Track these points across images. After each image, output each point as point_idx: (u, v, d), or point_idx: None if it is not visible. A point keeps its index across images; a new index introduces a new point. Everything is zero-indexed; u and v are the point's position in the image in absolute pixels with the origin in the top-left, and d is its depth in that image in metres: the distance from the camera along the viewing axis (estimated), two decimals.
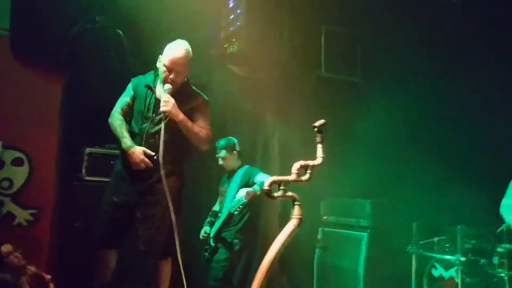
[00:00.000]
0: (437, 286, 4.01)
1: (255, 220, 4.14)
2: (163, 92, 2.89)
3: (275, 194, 2.00)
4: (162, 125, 2.81)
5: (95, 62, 3.92)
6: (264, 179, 3.59)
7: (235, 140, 4.13)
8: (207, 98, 3.15)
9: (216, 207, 4.17)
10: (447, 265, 3.94)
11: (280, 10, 4.56)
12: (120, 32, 3.43)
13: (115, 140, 3.02)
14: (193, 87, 3.14)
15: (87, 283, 3.09)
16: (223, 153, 4.03)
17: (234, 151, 4.06)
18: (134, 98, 3.02)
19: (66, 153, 3.87)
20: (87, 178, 3.80)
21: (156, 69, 3.07)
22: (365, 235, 4.17)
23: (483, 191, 3.59)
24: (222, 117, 4.73)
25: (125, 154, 2.88)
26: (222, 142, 4.07)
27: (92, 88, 3.85)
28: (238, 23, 4.33)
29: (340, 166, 3.99)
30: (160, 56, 3.00)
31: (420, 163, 4.34)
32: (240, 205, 3.61)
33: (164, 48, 3.02)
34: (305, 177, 2.04)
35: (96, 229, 3.00)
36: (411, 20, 4.59)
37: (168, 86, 2.89)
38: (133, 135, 2.95)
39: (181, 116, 2.87)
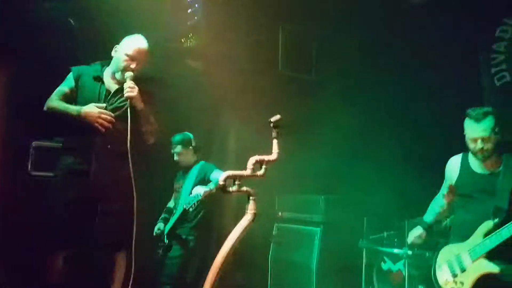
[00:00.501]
0: (385, 279, 4.16)
1: (210, 216, 4.12)
2: (123, 80, 2.87)
3: (230, 189, 2.00)
4: (128, 112, 2.80)
5: (44, 52, 3.74)
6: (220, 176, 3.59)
7: (191, 136, 4.09)
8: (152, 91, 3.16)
9: (170, 204, 4.11)
10: (396, 259, 4.09)
11: (238, 5, 4.55)
12: (72, 21, 3.29)
13: (65, 133, 2.91)
14: None
15: (34, 281, 2.96)
16: (178, 148, 3.98)
17: (190, 147, 4.02)
18: (76, 89, 2.93)
19: (10, 147, 3.67)
20: (33, 173, 3.63)
21: (104, 59, 3.02)
22: (318, 230, 4.27)
23: (432, 186, 3.76)
24: (178, 112, 4.67)
25: (79, 123, 2.79)
26: (177, 137, 4.02)
27: (40, 78, 3.67)
28: (196, 18, 4.29)
29: (296, 162, 4.04)
30: (117, 45, 2.98)
31: (372, 159, 4.48)
32: (196, 201, 3.58)
33: (118, 39, 2.98)
34: (260, 172, 2.05)
35: (54, 229, 2.87)
36: (366, 20, 4.73)
37: (130, 73, 2.89)
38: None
39: (141, 104, 2.89)
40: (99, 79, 2.96)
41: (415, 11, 4.76)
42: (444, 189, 3.10)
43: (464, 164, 2.88)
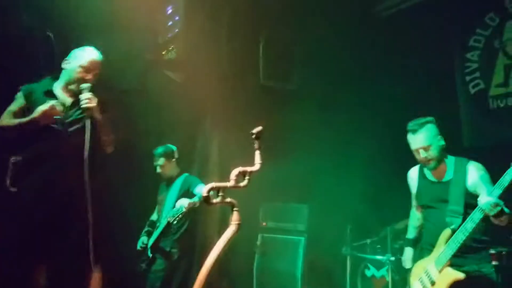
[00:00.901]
0: (369, 285, 4.20)
1: (193, 228, 4.10)
2: (81, 91, 2.82)
3: (214, 201, 2.00)
4: (87, 123, 2.75)
5: (21, 65, 3.69)
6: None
7: (174, 148, 4.07)
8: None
9: (153, 217, 4.08)
10: (379, 265, 4.15)
11: (217, 17, 4.59)
12: (51, 34, 3.26)
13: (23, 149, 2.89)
14: None
15: None
16: (161, 160, 3.96)
17: (173, 159, 4.01)
18: (27, 108, 2.87)
19: None
20: (12, 189, 3.55)
21: (52, 74, 3.00)
22: (302, 239, 4.30)
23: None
24: (158, 124, 4.66)
25: (36, 135, 2.76)
26: (160, 149, 4.00)
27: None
28: (176, 30, 4.31)
29: (278, 172, 4.07)
30: (67, 58, 2.96)
31: (353, 167, 4.54)
32: (180, 214, 3.56)
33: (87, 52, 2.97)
34: (243, 183, 2.05)
35: (24, 244, 2.81)
36: (347, 29, 4.83)
37: (87, 84, 2.85)
38: (50, 138, 2.81)
39: (99, 114, 2.85)
40: (50, 93, 2.91)
41: (392, 19, 4.90)
42: (412, 201, 3.09)
43: (421, 174, 2.89)
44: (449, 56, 4.48)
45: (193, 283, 1.99)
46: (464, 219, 2.54)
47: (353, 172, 4.49)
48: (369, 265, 4.25)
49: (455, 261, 2.54)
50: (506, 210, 2.39)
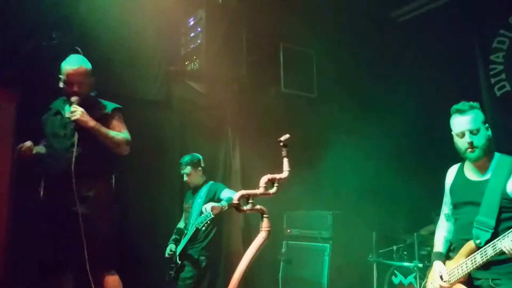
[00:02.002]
0: None
1: (219, 237, 4.13)
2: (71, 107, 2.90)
3: (244, 208, 2.03)
4: (76, 135, 2.82)
5: (51, 79, 3.81)
6: (231, 195, 3.63)
7: (200, 157, 4.13)
8: (119, 106, 3.15)
9: (180, 224, 4.13)
10: (406, 272, 4.10)
11: (238, 28, 4.65)
12: (79, 49, 3.35)
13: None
14: (101, 100, 3.14)
15: None
16: (188, 169, 4.02)
17: (199, 167, 4.06)
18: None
19: (21, 173, 3.71)
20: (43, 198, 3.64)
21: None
22: (327, 246, 4.27)
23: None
24: (182, 134, 4.73)
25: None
26: (186, 158, 4.07)
27: (48, 105, 3.73)
28: (198, 41, 4.38)
29: (303, 180, 4.07)
30: (60, 76, 2.99)
31: (377, 174, 4.52)
32: (208, 220, 3.60)
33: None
34: (272, 190, 2.08)
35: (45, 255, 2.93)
36: (365, 35, 4.84)
37: (75, 98, 2.89)
38: (52, 156, 2.95)
39: (92, 122, 2.87)
40: (58, 112, 3.01)
41: (409, 25, 4.88)
42: (443, 205, 2.69)
43: (460, 171, 2.57)
44: (472, 59, 4.43)
45: None
46: (493, 234, 2.23)
47: (377, 178, 4.46)
48: (396, 272, 4.20)
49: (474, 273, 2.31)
50: None
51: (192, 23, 4.48)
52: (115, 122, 3.05)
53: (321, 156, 4.62)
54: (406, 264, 4.04)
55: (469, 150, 2.39)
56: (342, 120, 4.78)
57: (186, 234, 3.86)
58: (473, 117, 2.41)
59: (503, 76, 4.26)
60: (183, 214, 4.14)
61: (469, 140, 2.38)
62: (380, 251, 4.27)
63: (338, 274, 4.21)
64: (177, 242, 3.94)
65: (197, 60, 4.36)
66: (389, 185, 4.47)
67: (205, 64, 4.38)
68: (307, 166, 4.35)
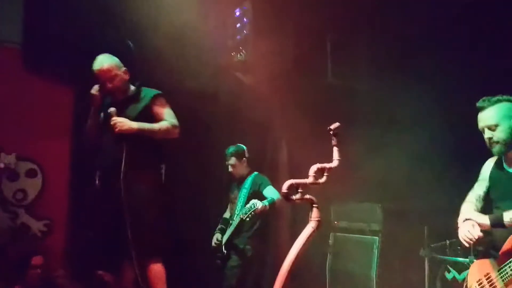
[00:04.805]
0: None
1: (265, 229, 4.14)
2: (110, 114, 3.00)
3: (293, 197, 2.02)
4: (124, 146, 2.91)
5: None
6: (273, 195, 3.65)
7: (244, 147, 4.16)
8: (159, 92, 3.18)
9: (226, 214, 4.19)
10: (461, 268, 3.93)
11: (285, 18, 4.62)
12: (130, 42, 3.46)
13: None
14: (142, 87, 3.18)
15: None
16: (232, 160, 4.06)
17: (244, 158, 4.09)
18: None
19: (79, 163, 3.91)
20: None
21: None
22: (376, 239, 4.17)
23: None
24: (229, 125, 4.78)
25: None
26: (231, 149, 4.11)
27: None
28: (245, 32, 4.39)
29: (350, 171, 4.00)
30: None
31: (429, 166, 4.35)
32: (253, 211, 3.63)
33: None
34: (322, 180, 2.06)
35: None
36: (415, 30, 4.64)
37: (112, 109, 2.98)
38: (104, 149, 3.10)
39: (134, 126, 2.94)
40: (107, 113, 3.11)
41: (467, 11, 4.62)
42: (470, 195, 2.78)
43: (497, 163, 2.60)
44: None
45: (266, 283, 2.02)
46: None
47: (429, 169, 4.30)
48: (449, 267, 4.04)
49: None
50: None
51: (238, 13, 4.49)
52: (157, 109, 3.11)
53: (371, 147, 4.51)
54: (460, 259, 3.87)
55: (490, 146, 2.48)
56: (392, 111, 4.63)
57: (231, 224, 3.92)
58: (492, 113, 2.44)
59: None
60: (229, 204, 4.20)
61: (487, 136, 2.46)
62: (432, 245, 4.12)
63: (387, 267, 4.11)
64: (222, 232, 4.01)
65: (244, 51, 4.37)
66: (443, 177, 4.30)
67: (251, 55, 4.39)
68: (355, 156, 4.26)
